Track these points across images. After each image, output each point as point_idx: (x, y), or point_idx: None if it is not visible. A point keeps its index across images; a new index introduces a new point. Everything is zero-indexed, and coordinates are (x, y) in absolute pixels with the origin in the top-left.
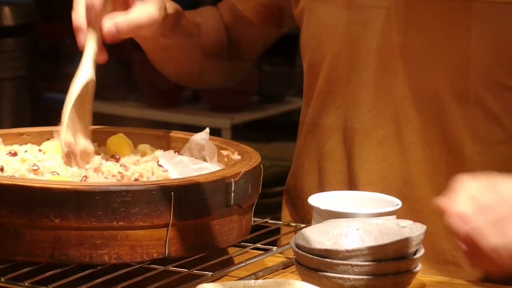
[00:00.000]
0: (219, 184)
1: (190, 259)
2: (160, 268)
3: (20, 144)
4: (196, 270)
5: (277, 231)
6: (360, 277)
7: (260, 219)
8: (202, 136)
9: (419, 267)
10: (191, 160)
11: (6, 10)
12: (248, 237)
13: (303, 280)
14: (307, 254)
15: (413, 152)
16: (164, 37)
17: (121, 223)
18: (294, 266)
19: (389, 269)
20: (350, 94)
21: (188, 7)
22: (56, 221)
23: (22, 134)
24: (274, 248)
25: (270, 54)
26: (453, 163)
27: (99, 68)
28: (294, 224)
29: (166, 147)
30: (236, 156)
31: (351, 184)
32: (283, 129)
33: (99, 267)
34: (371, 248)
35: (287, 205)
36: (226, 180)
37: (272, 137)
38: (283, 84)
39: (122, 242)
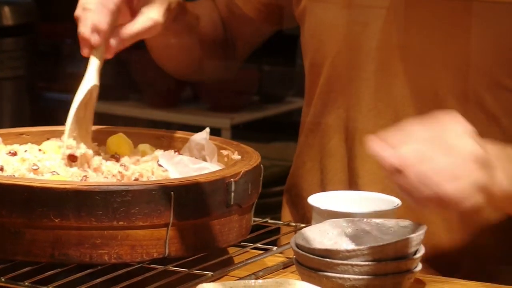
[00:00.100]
0: (219, 184)
1: (190, 259)
2: (160, 268)
3: (20, 144)
4: (196, 270)
5: (277, 231)
6: (360, 277)
7: (260, 219)
8: (202, 136)
9: (419, 267)
10: (191, 160)
11: (6, 10)
12: (248, 237)
13: (303, 280)
14: (307, 254)
15: None
16: (166, 28)
17: (121, 222)
18: (294, 266)
19: (389, 269)
20: (351, 93)
21: None
22: (56, 220)
23: (22, 133)
24: (274, 248)
25: (270, 54)
26: None
27: None
28: (294, 224)
29: (166, 147)
30: (236, 156)
31: (352, 183)
32: (283, 129)
33: (99, 267)
34: (371, 248)
35: (287, 204)
36: (226, 180)
37: (272, 137)
38: (283, 84)
39: (122, 242)
